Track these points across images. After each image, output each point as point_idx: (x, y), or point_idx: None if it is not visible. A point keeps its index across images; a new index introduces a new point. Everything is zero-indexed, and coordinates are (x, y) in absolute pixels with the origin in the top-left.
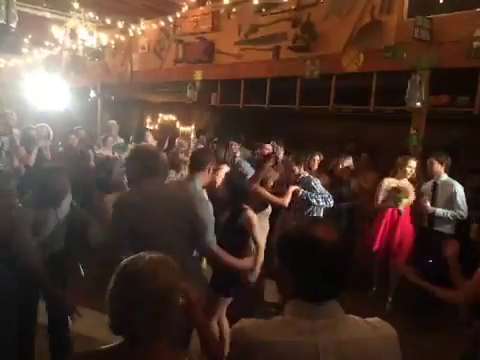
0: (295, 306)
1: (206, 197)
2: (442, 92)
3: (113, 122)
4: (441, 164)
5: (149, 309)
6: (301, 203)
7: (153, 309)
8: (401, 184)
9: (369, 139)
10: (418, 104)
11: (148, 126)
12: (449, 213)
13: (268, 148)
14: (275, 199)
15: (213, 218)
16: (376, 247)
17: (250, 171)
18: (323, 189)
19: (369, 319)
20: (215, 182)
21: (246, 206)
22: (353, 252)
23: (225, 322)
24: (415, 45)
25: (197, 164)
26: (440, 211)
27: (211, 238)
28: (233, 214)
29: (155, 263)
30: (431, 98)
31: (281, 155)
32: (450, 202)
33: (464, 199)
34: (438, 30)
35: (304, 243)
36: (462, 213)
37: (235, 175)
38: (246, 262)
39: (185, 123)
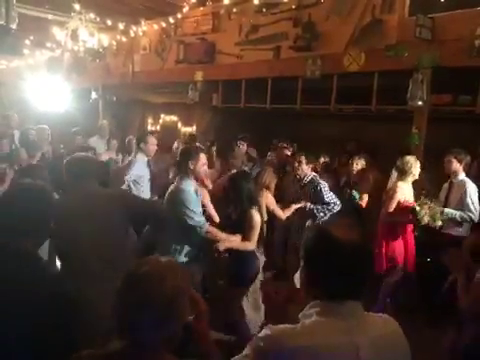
0: (322, 307)
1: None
2: (444, 91)
3: (104, 122)
4: (460, 162)
5: (155, 313)
6: (307, 214)
7: (159, 313)
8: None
9: (371, 139)
10: (420, 103)
11: (150, 127)
12: (458, 214)
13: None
14: (277, 210)
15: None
16: (400, 263)
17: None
18: (330, 195)
19: (379, 315)
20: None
21: (252, 206)
22: (372, 251)
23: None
24: (416, 44)
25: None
26: (449, 211)
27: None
28: (239, 214)
29: (163, 267)
30: (433, 97)
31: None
32: (461, 203)
33: (476, 200)
34: (439, 29)
35: (325, 243)
36: (472, 215)
37: (240, 175)
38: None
39: (186, 124)
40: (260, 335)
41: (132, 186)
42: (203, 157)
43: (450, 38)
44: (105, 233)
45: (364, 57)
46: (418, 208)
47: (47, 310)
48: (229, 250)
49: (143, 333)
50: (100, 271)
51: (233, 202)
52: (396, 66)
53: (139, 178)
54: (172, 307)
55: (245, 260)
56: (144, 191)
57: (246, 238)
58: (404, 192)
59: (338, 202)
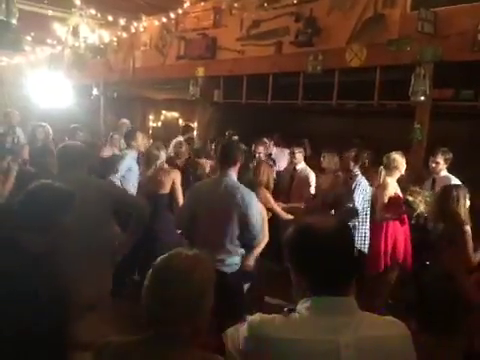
0: (311, 303)
1: None
2: (446, 86)
3: (125, 121)
4: (446, 162)
5: (184, 308)
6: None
7: (188, 308)
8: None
9: (372, 134)
10: (422, 98)
11: (151, 123)
12: None
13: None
14: (276, 209)
15: None
16: (381, 267)
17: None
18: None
19: (383, 317)
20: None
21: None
22: (352, 236)
23: None
24: (419, 38)
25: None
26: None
27: None
28: None
29: (191, 261)
30: (435, 92)
31: (274, 151)
32: None
33: None
34: (442, 23)
35: (301, 238)
36: None
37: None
38: None
39: (188, 120)
40: (251, 319)
41: (121, 180)
42: None
43: (452, 32)
44: (90, 219)
45: (366, 52)
46: (411, 198)
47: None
48: None
49: (172, 327)
50: (81, 252)
51: None
52: (398, 61)
53: (128, 173)
54: (201, 301)
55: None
56: (133, 185)
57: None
58: (394, 186)
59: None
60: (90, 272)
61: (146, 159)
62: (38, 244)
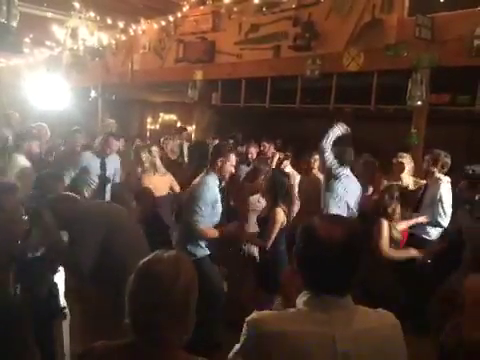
0: (308, 298)
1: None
2: (443, 91)
3: (111, 121)
4: (435, 164)
5: (170, 312)
6: None
7: (174, 312)
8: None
9: (369, 138)
10: (419, 103)
11: (149, 125)
12: (421, 218)
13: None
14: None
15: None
16: None
17: None
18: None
19: (375, 309)
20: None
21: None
22: (359, 246)
23: None
24: (416, 44)
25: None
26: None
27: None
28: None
29: (175, 264)
30: (432, 97)
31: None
32: (433, 203)
33: (448, 201)
34: (439, 28)
35: (307, 238)
36: (439, 219)
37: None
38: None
39: (186, 123)
40: (248, 318)
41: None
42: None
43: (449, 38)
44: None
45: (363, 57)
46: None
47: None
48: (261, 252)
49: (158, 332)
50: None
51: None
52: (395, 66)
53: (86, 170)
54: (186, 304)
55: (278, 263)
56: (92, 184)
57: (268, 235)
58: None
59: None
60: None
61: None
62: None
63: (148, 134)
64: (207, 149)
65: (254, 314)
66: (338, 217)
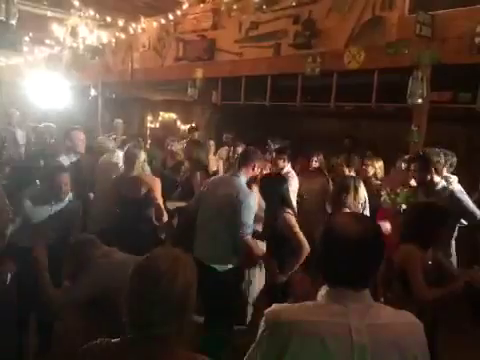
0: (326, 292)
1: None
2: (444, 89)
3: (119, 121)
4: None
5: (168, 310)
6: None
7: (172, 310)
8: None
9: (370, 136)
10: (420, 101)
11: (149, 124)
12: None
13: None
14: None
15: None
16: None
17: None
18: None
19: (393, 308)
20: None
21: (285, 209)
22: (374, 242)
23: None
24: (417, 41)
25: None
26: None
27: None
28: (270, 218)
29: (174, 262)
30: (433, 94)
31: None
32: None
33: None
34: (440, 26)
35: (328, 233)
36: None
37: (274, 178)
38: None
39: (186, 121)
40: (267, 310)
41: None
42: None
43: (450, 36)
44: None
45: (364, 54)
46: (386, 197)
47: None
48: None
49: (157, 329)
50: None
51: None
52: (396, 63)
53: None
54: (184, 302)
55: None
56: None
57: (298, 240)
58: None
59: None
60: None
61: (125, 159)
62: None
63: (148, 132)
64: (204, 149)
65: (273, 305)
66: (357, 214)
